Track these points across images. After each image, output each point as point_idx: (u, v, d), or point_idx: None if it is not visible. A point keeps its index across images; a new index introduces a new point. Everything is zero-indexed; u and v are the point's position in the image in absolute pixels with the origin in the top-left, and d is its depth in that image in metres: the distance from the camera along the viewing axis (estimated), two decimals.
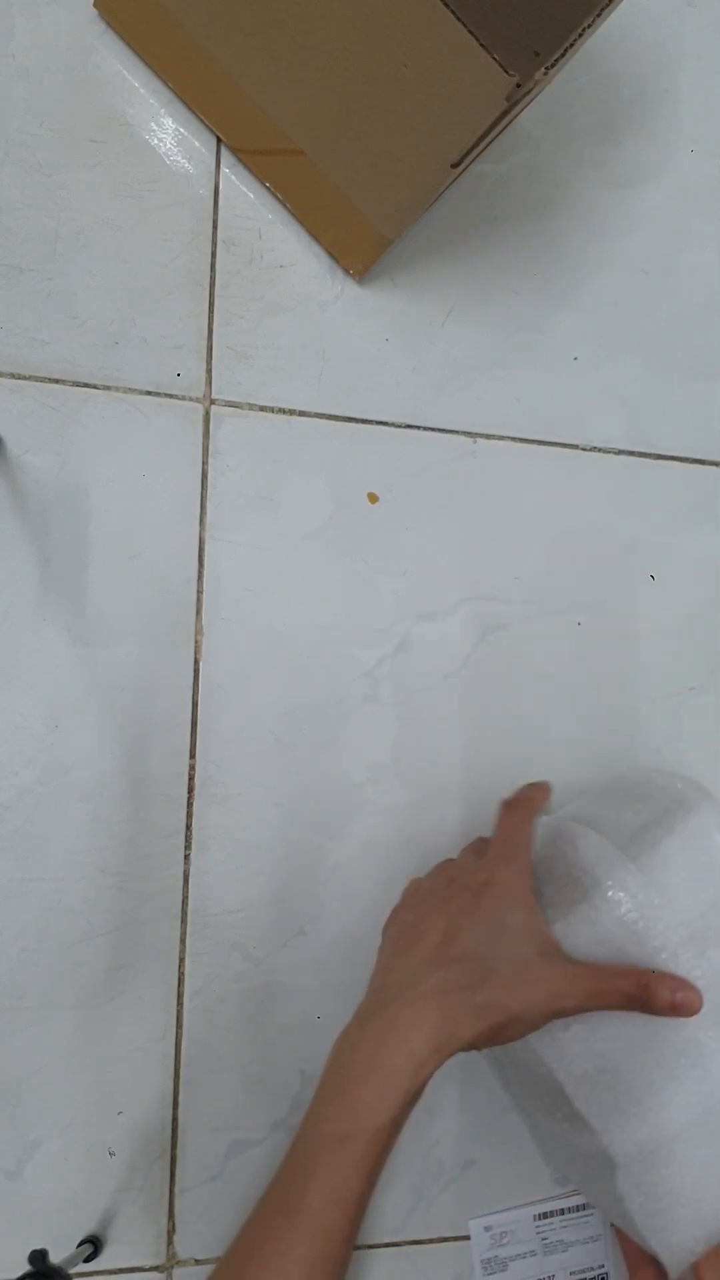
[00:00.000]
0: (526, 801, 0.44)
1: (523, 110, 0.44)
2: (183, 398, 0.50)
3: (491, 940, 0.38)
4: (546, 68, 0.37)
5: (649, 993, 0.36)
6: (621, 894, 0.39)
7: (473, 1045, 0.36)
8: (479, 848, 0.46)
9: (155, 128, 0.51)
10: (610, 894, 0.39)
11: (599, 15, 0.37)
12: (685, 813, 0.41)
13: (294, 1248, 0.33)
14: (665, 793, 0.44)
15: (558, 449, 0.55)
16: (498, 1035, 0.36)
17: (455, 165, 0.43)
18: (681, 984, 0.37)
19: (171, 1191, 0.45)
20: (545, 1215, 0.49)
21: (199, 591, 0.48)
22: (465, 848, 0.47)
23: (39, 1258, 0.39)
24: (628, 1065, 0.38)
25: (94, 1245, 0.44)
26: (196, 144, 0.52)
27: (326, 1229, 0.34)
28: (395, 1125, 0.35)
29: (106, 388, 0.49)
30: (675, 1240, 0.38)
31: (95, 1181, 0.45)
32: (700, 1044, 0.38)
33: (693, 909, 0.39)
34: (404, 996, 0.37)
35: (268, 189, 0.52)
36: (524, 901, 0.39)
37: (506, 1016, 0.36)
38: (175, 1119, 0.46)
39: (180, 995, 0.46)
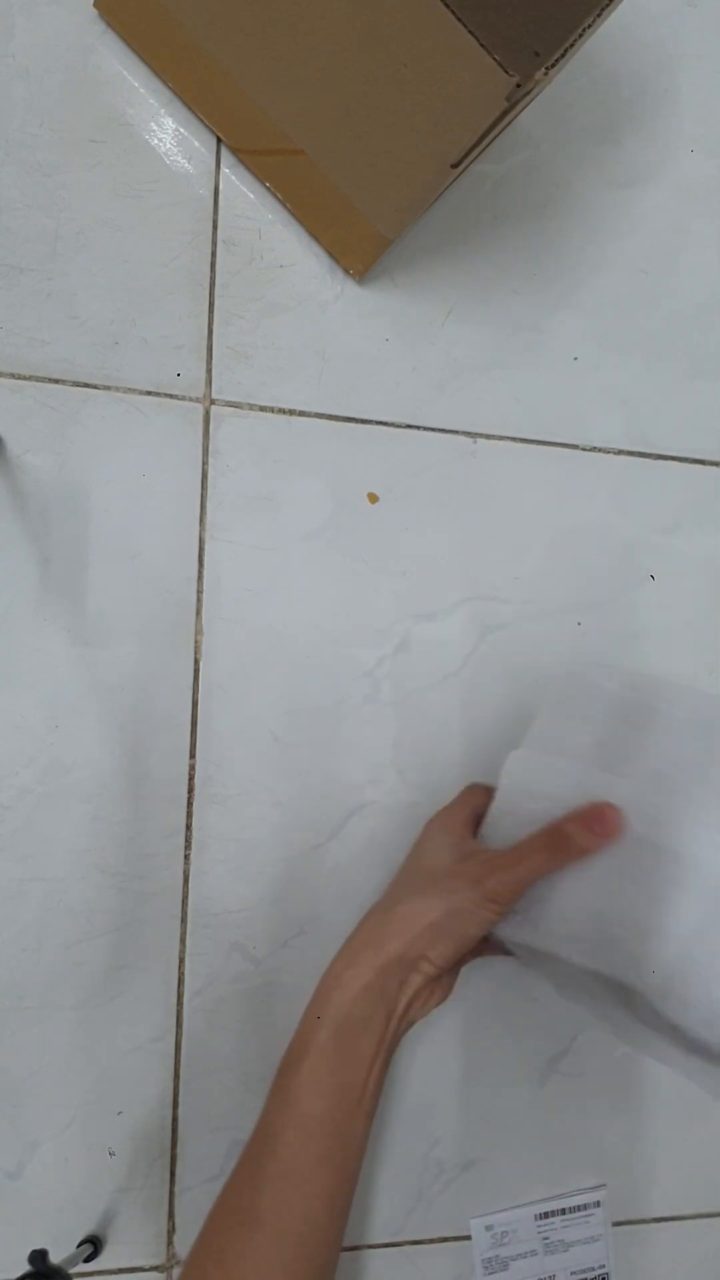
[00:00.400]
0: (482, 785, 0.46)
1: (523, 110, 0.44)
2: (183, 398, 0.49)
3: (415, 870, 0.40)
4: (547, 68, 0.37)
5: (567, 839, 0.37)
6: (514, 766, 0.41)
7: (418, 955, 0.37)
8: None
9: (155, 128, 0.51)
10: (504, 775, 0.41)
11: (599, 15, 0.37)
12: (568, 675, 0.44)
13: (261, 1163, 0.36)
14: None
15: (558, 449, 0.55)
16: (439, 939, 0.37)
17: (455, 165, 0.43)
18: (591, 812, 0.37)
19: (171, 1191, 0.45)
20: (546, 1215, 0.49)
21: (199, 591, 0.48)
22: None
23: (39, 1258, 0.39)
24: (621, 904, 0.38)
25: (94, 1245, 0.44)
26: (196, 144, 0.52)
27: (289, 1145, 0.35)
28: (338, 1040, 0.36)
29: (106, 388, 0.49)
30: None
31: (95, 1181, 0.45)
32: (663, 849, 0.37)
33: (586, 748, 0.40)
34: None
35: (268, 189, 0.52)
36: (446, 828, 0.41)
37: (436, 914, 0.37)
38: (175, 1119, 0.46)
39: (180, 995, 0.46)
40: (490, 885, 0.37)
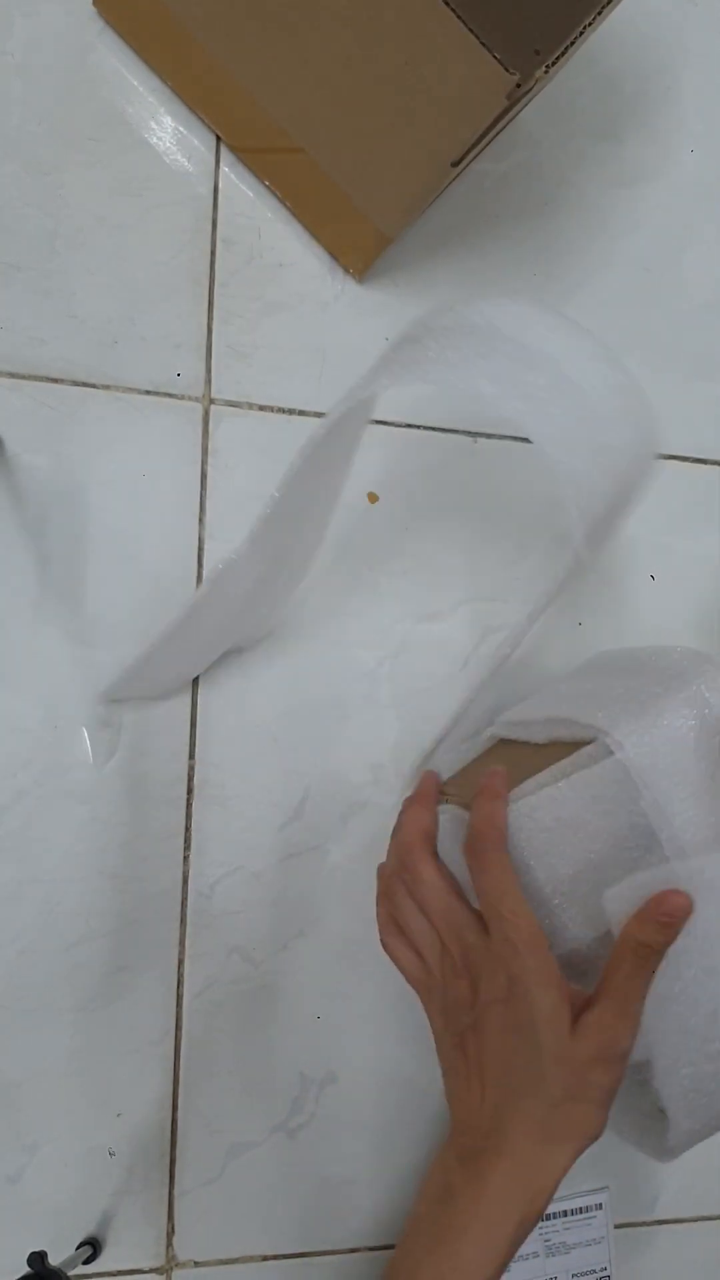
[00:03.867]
0: (489, 805, 0.38)
1: (523, 109, 0.44)
2: (182, 397, 0.49)
3: (532, 1052, 0.35)
4: (547, 66, 0.37)
5: (639, 947, 0.34)
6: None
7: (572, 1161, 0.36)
8: (463, 919, 0.39)
9: (154, 126, 0.51)
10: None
11: (600, 13, 0.36)
12: (683, 681, 0.38)
13: None
14: (662, 660, 0.41)
15: None
16: (591, 1140, 0.36)
17: (456, 164, 0.43)
18: (655, 905, 0.34)
19: (171, 1193, 0.45)
20: (548, 1217, 0.49)
21: None
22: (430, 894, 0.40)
23: (38, 1260, 0.38)
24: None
25: (93, 1247, 0.44)
26: (195, 142, 0.51)
27: None
28: (497, 1274, 0.35)
29: (105, 387, 0.48)
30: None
31: (94, 1183, 0.45)
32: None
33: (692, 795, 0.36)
34: (495, 1145, 0.36)
35: (267, 187, 0.52)
36: (544, 980, 0.35)
37: (585, 1121, 0.35)
38: (174, 1121, 0.46)
39: (179, 997, 0.46)
40: (614, 1051, 0.35)
